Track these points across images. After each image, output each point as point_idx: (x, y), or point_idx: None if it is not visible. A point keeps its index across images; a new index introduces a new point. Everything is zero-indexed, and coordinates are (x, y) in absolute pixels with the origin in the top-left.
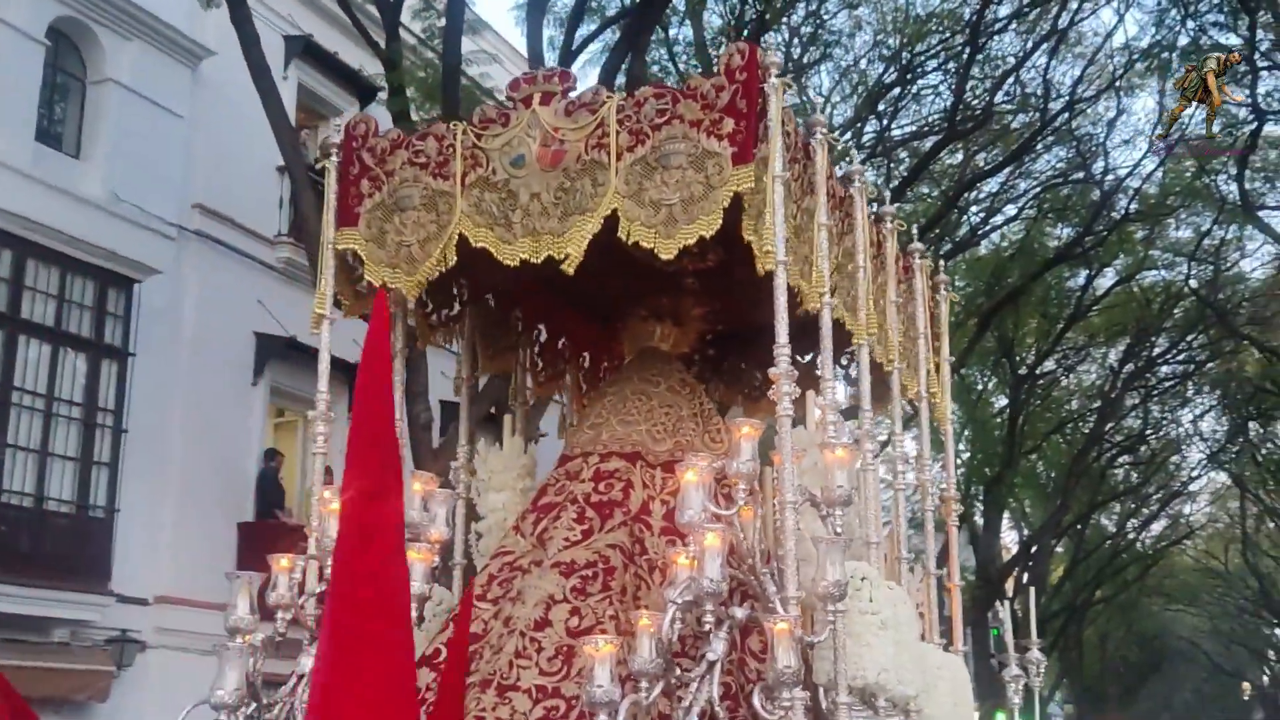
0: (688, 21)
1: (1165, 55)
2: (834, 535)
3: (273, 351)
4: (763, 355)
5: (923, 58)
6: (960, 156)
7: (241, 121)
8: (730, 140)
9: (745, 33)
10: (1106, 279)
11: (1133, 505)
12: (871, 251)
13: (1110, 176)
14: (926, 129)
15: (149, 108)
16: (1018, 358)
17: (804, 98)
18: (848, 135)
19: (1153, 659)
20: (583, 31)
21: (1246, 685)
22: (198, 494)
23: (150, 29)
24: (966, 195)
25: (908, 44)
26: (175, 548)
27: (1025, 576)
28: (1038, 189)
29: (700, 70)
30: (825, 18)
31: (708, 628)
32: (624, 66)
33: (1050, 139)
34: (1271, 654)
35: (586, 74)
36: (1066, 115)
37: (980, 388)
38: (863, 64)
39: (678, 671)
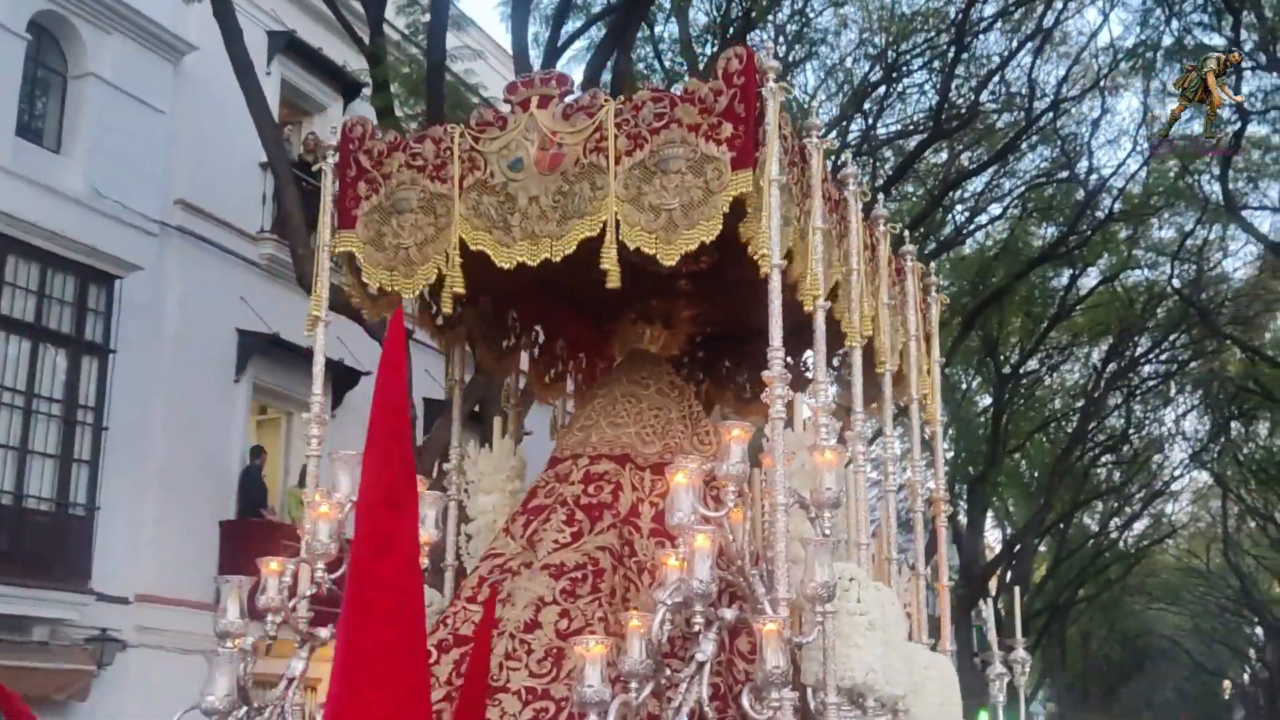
0: (673, 19)
1: (1150, 55)
2: (822, 537)
3: (255, 348)
4: (752, 357)
5: (908, 56)
6: (945, 156)
7: (224, 117)
8: (729, 145)
9: (731, 31)
10: (1090, 278)
11: (1115, 504)
12: (866, 255)
13: (1094, 176)
14: (912, 128)
15: (130, 103)
16: (1002, 357)
17: (791, 97)
18: (833, 134)
19: (1135, 657)
20: (568, 28)
21: (1227, 684)
22: (179, 492)
23: (132, 23)
24: (951, 194)
25: (893, 43)
26: (156, 546)
27: (1008, 575)
28: (1022, 188)
29: (686, 68)
30: (811, 16)
31: (697, 629)
32: (609, 64)
33: (1035, 138)
34: (1252, 653)
35: (572, 71)
36: (1051, 115)
37: (964, 387)
38: (848, 62)
39: (667, 672)
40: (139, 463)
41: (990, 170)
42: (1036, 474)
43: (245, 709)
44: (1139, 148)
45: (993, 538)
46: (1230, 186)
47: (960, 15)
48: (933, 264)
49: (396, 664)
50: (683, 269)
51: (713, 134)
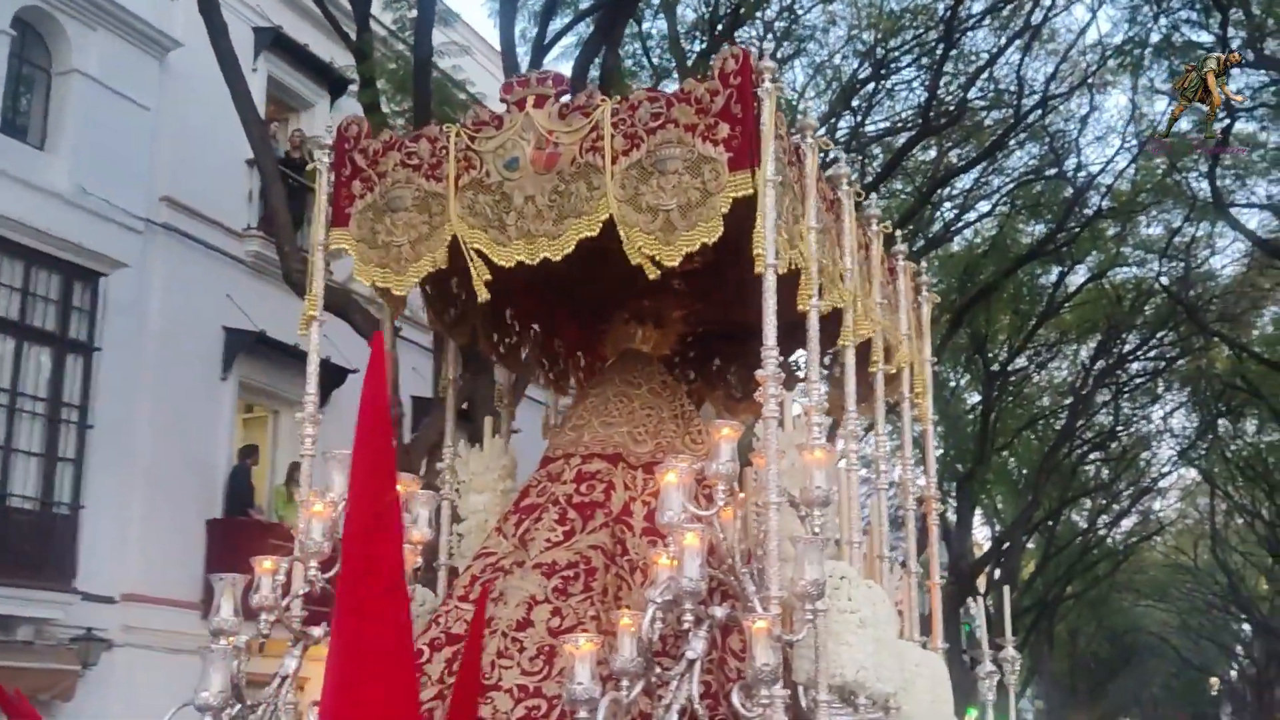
0: (661, 15)
1: (1138, 52)
2: (812, 535)
3: (242, 346)
4: (744, 356)
5: (897, 53)
6: (934, 153)
7: (210, 114)
8: (726, 145)
9: (719, 27)
10: (1078, 276)
11: (1103, 501)
12: (861, 255)
13: (1082, 173)
14: (900, 125)
15: (115, 99)
16: (990, 354)
17: (781, 95)
18: (821, 130)
19: (1123, 654)
20: (556, 25)
21: (1214, 680)
22: (165, 490)
23: (117, 19)
24: (940, 191)
25: (882, 39)
26: (142, 545)
27: (997, 573)
28: (1010, 185)
29: (675, 64)
30: (799, 12)
31: (688, 627)
32: (597, 60)
33: (1023, 135)
34: (1239, 649)
35: (559, 67)
36: (1039, 112)
37: (953, 384)
38: (837, 59)
39: (658, 670)
40: (124, 461)
41: (979, 167)
42: (1025, 471)
43: (239, 706)
44: (1127, 145)
45: (981, 535)
46: (1218, 184)
47: (949, 12)
48: (922, 262)
49: (383, 684)
50: (678, 269)
51: (709, 134)
